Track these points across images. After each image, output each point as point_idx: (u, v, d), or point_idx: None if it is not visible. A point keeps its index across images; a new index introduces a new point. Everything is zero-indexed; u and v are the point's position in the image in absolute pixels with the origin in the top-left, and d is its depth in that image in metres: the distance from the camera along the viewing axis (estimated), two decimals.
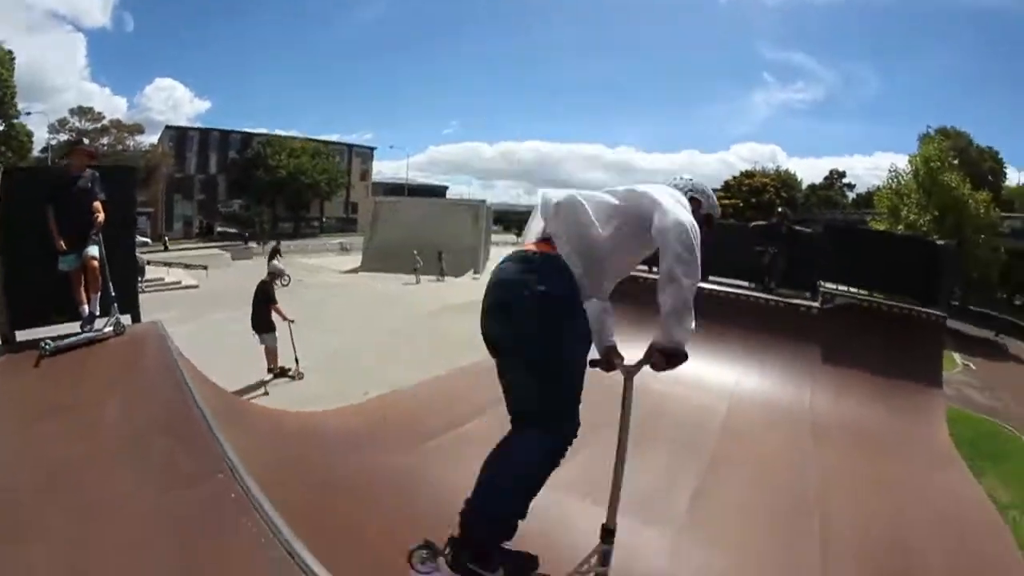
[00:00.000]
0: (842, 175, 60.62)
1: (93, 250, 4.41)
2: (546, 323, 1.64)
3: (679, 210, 1.62)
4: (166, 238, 40.77)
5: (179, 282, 21.40)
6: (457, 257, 26.75)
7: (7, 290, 4.43)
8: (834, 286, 8.61)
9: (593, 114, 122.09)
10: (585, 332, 1.79)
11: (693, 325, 1.62)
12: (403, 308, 15.17)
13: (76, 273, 4.44)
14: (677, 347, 1.62)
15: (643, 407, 3.00)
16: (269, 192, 50.95)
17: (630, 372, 2.00)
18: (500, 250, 37.67)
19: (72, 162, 4.62)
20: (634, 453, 3.02)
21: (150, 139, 48.10)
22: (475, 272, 27.30)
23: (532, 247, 1.75)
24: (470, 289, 21.70)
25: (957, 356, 18.70)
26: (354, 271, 27.78)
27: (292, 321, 7.89)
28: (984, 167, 33.82)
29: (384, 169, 65.72)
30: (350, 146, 61.64)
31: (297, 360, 7.97)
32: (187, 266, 24.96)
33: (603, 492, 2.44)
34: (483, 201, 35.25)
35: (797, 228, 9.32)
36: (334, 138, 60.71)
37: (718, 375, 6.31)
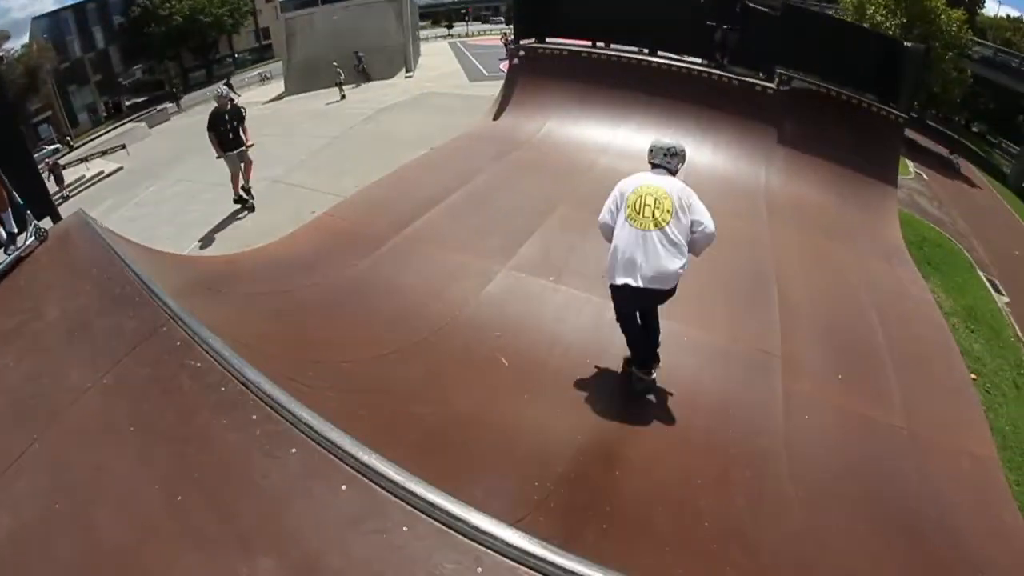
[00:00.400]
0: None
1: None
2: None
3: (712, 225, 2.90)
4: (68, 138, 36.70)
5: (102, 172, 19.35)
6: (385, 57, 25.02)
7: None
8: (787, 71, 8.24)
9: None
10: None
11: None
12: (337, 121, 14.17)
13: None
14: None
15: (596, 180, 2.90)
16: (170, 45, 45.56)
17: None
18: (430, 45, 34.48)
19: None
20: (595, 230, 3.07)
21: (20, 41, 41.51)
22: (407, 71, 25.43)
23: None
24: (403, 88, 19.54)
25: (911, 164, 18.37)
26: (279, 98, 25.46)
27: (251, 145, 7.36)
28: None
29: None
30: None
31: (247, 189, 7.60)
32: (105, 152, 22.53)
33: (562, 274, 2.50)
34: None
35: (752, 5, 8.54)
36: None
37: None
